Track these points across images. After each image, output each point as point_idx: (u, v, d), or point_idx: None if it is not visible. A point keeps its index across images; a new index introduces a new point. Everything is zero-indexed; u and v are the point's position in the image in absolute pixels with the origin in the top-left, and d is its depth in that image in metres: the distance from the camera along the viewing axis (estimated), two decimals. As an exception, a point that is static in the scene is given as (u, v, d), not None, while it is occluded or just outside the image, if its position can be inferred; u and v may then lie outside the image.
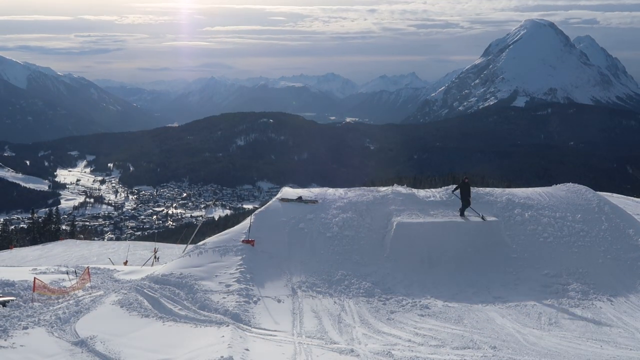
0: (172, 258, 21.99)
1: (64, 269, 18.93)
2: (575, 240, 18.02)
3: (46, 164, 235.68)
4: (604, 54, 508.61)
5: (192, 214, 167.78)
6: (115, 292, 14.79)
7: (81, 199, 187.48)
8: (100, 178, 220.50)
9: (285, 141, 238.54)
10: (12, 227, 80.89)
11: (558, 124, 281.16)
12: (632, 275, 16.49)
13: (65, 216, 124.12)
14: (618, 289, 15.68)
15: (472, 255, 17.01)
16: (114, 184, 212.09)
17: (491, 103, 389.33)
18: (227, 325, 11.96)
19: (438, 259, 16.79)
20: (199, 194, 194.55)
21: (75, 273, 16.55)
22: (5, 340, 10.82)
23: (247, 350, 10.58)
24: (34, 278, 14.40)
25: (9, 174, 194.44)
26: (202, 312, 13.04)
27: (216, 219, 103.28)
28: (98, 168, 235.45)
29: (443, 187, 21.37)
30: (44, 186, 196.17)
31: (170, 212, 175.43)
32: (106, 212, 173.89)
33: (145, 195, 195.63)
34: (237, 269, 15.67)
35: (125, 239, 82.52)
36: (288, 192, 21.14)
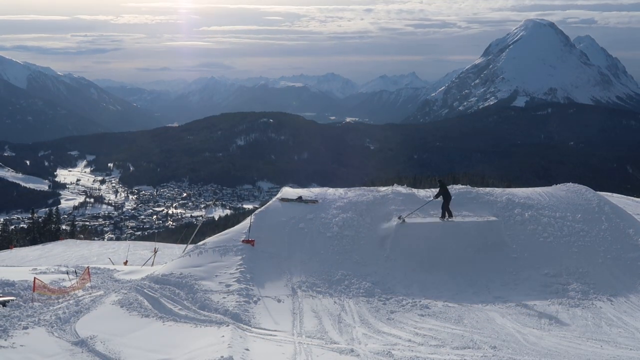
0: (172, 258, 21.97)
1: (64, 269, 18.89)
2: (575, 240, 18.03)
3: (46, 163, 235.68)
4: (604, 53, 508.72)
5: (192, 214, 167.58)
6: (115, 292, 14.77)
7: (81, 199, 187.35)
8: (100, 178, 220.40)
9: (285, 141, 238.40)
10: (12, 227, 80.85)
11: (558, 124, 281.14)
12: (632, 275, 16.50)
13: (65, 216, 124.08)
14: (618, 289, 15.69)
15: (472, 255, 17.02)
16: (114, 184, 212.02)
17: (491, 103, 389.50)
18: (227, 325, 11.94)
19: (438, 259, 16.79)
20: (199, 194, 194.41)
21: (75, 273, 16.53)
22: (5, 340, 10.81)
23: (247, 350, 10.57)
24: (34, 278, 14.38)
25: (9, 174, 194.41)
26: (202, 312, 13.02)
27: (216, 219, 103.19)
28: (98, 168, 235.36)
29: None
30: (44, 186, 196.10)
31: (170, 212, 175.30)
32: (106, 212, 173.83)
33: (145, 195, 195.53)
34: (237, 269, 15.65)
35: (125, 239, 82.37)
36: (288, 192, 21.13)
